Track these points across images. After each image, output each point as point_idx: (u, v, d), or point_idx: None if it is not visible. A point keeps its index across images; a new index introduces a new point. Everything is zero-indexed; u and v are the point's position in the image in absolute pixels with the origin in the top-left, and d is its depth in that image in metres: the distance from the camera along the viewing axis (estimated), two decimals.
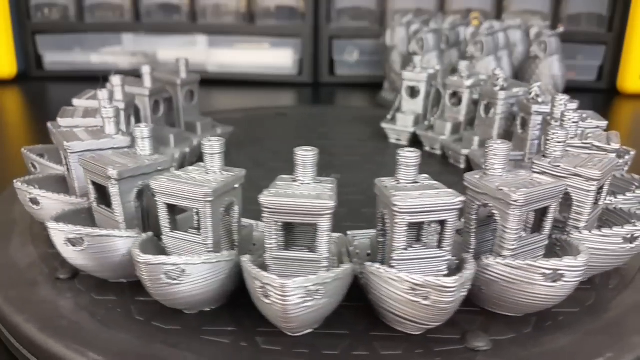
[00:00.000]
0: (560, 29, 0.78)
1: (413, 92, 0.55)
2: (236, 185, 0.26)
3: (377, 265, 0.24)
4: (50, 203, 0.31)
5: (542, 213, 0.25)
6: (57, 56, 0.97)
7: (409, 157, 0.24)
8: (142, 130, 0.28)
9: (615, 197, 0.30)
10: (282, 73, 0.97)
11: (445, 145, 0.51)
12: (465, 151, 0.48)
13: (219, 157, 0.26)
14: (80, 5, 0.96)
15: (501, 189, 0.24)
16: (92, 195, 0.28)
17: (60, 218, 0.27)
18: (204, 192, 0.24)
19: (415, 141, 0.54)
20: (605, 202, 0.29)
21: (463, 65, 0.51)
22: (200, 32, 0.96)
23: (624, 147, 0.35)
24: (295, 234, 0.26)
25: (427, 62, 0.68)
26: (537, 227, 0.26)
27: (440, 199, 0.23)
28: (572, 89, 0.80)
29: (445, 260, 0.24)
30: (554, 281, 0.24)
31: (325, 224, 0.23)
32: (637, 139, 0.73)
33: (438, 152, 0.52)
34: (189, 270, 0.24)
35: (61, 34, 0.96)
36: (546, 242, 0.26)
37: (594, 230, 0.27)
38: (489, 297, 0.26)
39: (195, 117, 0.51)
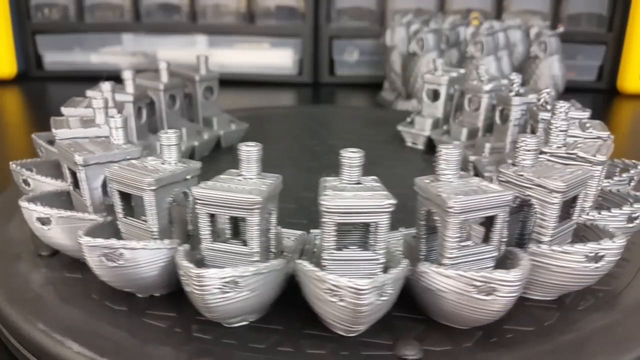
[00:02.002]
0: (560, 29, 0.79)
1: (435, 95, 0.53)
2: (188, 177, 0.26)
3: (306, 263, 0.24)
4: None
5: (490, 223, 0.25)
6: (57, 56, 0.97)
7: (352, 157, 0.24)
8: (116, 120, 0.29)
9: (599, 213, 0.29)
10: (282, 73, 0.97)
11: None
12: (472, 158, 0.46)
13: (175, 148, 0.27)
14: (80, 5, 0.96)
15: (439, 195, 0.23)
16: (69, 180, 0.29)
17: (35, 198, 0.29)
18: (147, 181, 0.25)
19: (431, 145, 0.52)
20: (589, 217, 0.29)
21: (483, 69, 0.49)
22: (200, 32, 0.96)
23: (629, 161, 0.35)
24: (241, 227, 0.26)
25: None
26: (486, 237, 0.25)
27: (371, 201, 0.23)
28: (572, 89, 0.81)
29: (379, 263, 0.24)
30: (487, 294, 0.23)
31: (254, 218, 0.23)
32: (637, 139, 0.73)
33: None
34: (128, 255, 0.25)
35: (61, 34, 0.97)
36: (495, 254, 0.25)
37: (554, 245, 0.26)
38: (427, 305, 0.25)
39: (213, 112, 0.53)
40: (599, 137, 0.31)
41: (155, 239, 0.26)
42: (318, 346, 0.24)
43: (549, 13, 0.93)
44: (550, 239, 0.26)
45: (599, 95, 0.92)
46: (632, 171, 0.34)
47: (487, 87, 0.48)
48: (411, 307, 0.26)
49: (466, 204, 0.23)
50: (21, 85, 0.93)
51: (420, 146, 0.53)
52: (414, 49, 0.74)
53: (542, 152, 0.29)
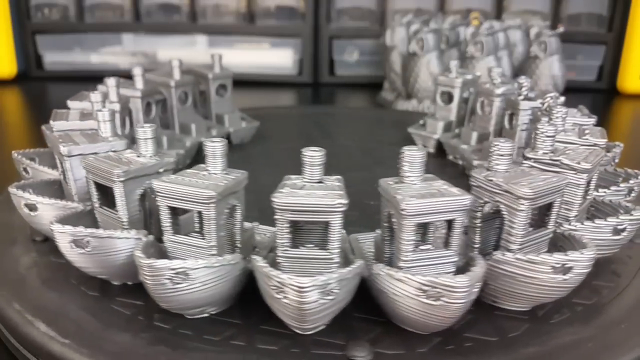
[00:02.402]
0: (560, 29, 0.79)
1: (449, 98, 0.52)
2: (161, 170, 0.27)
3: (258, 258, 0.24)
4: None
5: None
6: (57, 56, 0.97)
7: (313, 156, 0.24)
8: (104, 114, 0.30)
9: (582, 224, 0.28)
10: (282, 73, 0.97)
11: (461, 154, 0.48)
12: (477, 162, 0.45)
13: (151, 142, 0.27)
14: (80, 5, 0.96)
15: (394, 196, 0.23)
16: (60, 169, 0.30)
17: (26, 186, 0.31)
18: (116, 172, 0.26)
19: (442, 149, 0.51)
20: (570, 227, 0.28)
21: (496, 72, 0.47)
22: (200, 32, 0.96)
23: (632, 170, 0.34)
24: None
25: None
26: (446, 242, 0.25)
27: (322, 200, 0.23)
28: (572, 89, 0.81)
29: (333, 263, 0.24)
30: (436, 299, 0.23)
31: (210, 212, 0.24)
32: (637, 139, 0.73)
33: (460, 161, 0.48)
34: (94, 243, 0.26)
35: (61, 34, 0.97)
36: (455, 259, 0.24)
37: (518, 254, 0.25)
38: (384, 308, 0.25)
39: (225, 109, 0.54)
40: (595, 145, 0.30)
41: (125, 228, 0.27)
42: (271, 342, 0.24)
43: (549, 13, 0.93)
44: (518, 247, 0.25)
45: (599, 95, 0.92)
46: (631, 181, 0.33)
47: (499, 90, 0.46)
48: (372, 309, 0.26)
49: (420, 207, 0.22)
50: (21, 85, 0.93)
51: (431, 149, 0.52)
52: (414, 49, 0.74)
53: (526, 158, 0.28)
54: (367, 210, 0.37)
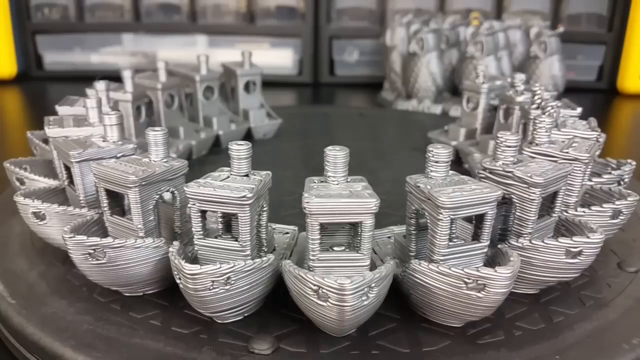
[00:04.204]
0: (560, 29, 0.79)
1: (476, 104, 0.49)
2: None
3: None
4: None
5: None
6: (57, 56, 0.97)
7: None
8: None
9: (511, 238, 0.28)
10: (282, 73, 0.97)
11: (471, 160, 0.46)
12: (477, 155, 0.45)
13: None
14: (80, 5, 0.96)
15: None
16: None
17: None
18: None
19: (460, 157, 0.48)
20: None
21: (519, 78, 0.44)
22: (200, 32, 0.96)
23: (623, 160, 0.35)
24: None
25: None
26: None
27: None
28: (572, 89, 0.81)
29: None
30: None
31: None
32: (637, 139, 0.73)
33: (465, 165, 0.47)
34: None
35: (61, 34, 0.97)
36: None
37: (435, 265, 0.24)
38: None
39: (251, 105, 0.55)
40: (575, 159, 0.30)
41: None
42: (185, 326, 0.25)
43: (549, 13, 0.93)
44: (442, 257, 0.25)
45: (599, 95, 0.92)
46: (624, 169, 0.35)
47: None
48: (293, 307, 0.25)
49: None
50: (21, 85, 0.93)
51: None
52: (414, 49, 0.74)
53: (484, 169, 0.28)
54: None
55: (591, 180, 0.33)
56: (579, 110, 0.37)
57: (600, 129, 0.33)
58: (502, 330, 0.25)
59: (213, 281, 0.23)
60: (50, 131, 0.32)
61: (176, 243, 0.25)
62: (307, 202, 0.23)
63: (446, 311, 0.25)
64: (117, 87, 0.44)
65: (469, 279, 0.23)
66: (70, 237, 0.25)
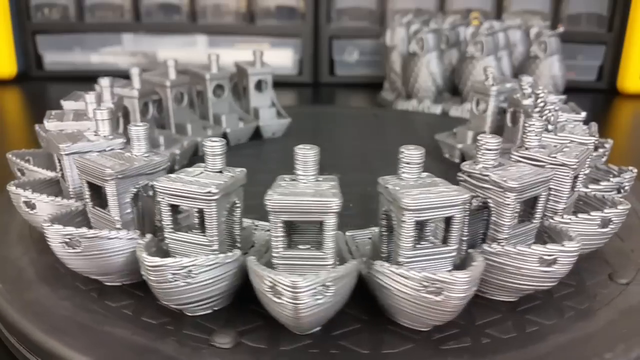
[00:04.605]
0: (560, 29, 0.78)
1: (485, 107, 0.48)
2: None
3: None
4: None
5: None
6: (57, 56, 0.97)
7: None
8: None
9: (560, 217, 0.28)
10: (282, 73, 0.97)
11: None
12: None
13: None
14: (80, 5, 0.96)
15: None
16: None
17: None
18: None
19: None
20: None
21: (526, 81, 0.43)
22: (200, 32, 0.96)
23: (625, 168, 0.34)
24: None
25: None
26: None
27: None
28: (572, 89, 0.81)
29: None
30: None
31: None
32: (637, 139, 0.73)
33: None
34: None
35: (61, 34, 0.97)
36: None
37: (396, 267, 0.24)
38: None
39: (262, 104, 0.56)
40: (572, 141, 0.31)
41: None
42: (154, 317, 0.26)
43: (549, 13, 0.93)
44: (408, 259, 0.24)
45: (599, 95, 0.92)
46: (623, 176, 0.34)
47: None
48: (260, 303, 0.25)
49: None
50: (21, 85, 0.93)
51: (456, 159, 0.49)
52: (414, 49, 0.74)
53: (462, 171, 0.28)
54: (367, 210, 0.37)
55: (587, 187, 0.32)
56: (583, 114, 0.36)
57: (606, 136, 0.32)
58: (469, 337, 0.25)
59: (174, 274, 0.24)
60: (49, 124, 0.33)
61: (149, 236, 0.26)
62: (268, 199, 0.23)
63: (407, 314, 0.24)
64: (125, 84, 0.45)
65: (426, 282, 0.23)
66: (48, 226, 0.26)
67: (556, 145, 0.29)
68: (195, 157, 0.49)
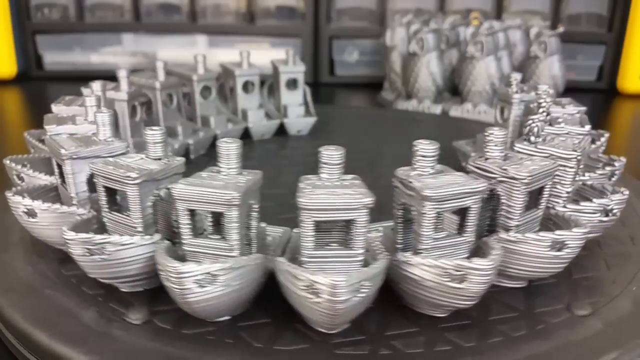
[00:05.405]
0: (560, 29, 0.78)
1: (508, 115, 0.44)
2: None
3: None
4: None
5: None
6: (57, 56, 0.97)
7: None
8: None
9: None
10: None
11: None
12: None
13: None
14: (80, 5, 0.96)
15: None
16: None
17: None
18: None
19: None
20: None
21: (543, 89, 0.39)
22: (200, 32, 0.96)
23: (614, 156, 0.35)
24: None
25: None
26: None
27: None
28: (572, 89, 0.81)
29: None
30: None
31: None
32: (637, 139, 0.73)
33: None
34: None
35: (61, 34, 0.97)
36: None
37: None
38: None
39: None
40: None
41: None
42: (93, 287, 0.27)
43: (549, 13, 0.93)
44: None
45: (599, 95, 0.92)
46: (616, 164, 0.35)
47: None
48: None
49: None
50: (21, 85, 0.93)
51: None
52: (414, 49, 0.74)
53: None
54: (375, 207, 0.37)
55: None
56: (587, 128, 0.35)
57: (601, 129, 0.33)
58: (369, 345, 0.24)
59: (88, 249, 0.25)
60: (49, 128, 0.32)
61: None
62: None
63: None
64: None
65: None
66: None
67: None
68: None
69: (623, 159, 0.36)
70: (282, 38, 0.96)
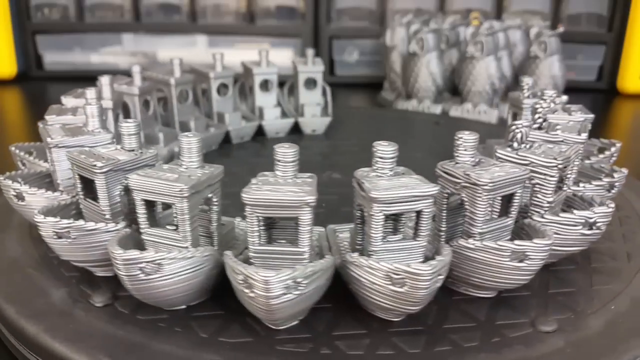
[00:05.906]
0: (560, 29, 0.78)
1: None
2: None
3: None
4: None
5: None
6: (57, 56, 0.97)
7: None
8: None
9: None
10: (282, 73, 0.97)
11: None
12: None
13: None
14: (80, 5, 0.96)
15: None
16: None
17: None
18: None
19: None
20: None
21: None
22: (200, 32, 0.96)
23: (607, 140, 0.35)
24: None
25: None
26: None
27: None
28: (572, 89, 0.81)
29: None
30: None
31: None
32: (637, 139, 0.73)
33: None
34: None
35: (61, 34, 0.96)
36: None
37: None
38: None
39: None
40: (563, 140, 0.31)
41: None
42: (72, 270, 0.29)
43: (549, 13, 0.93)
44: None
45: (599, 95, 0.92)
46: (616, 176, 0.33)
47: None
48: None
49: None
50: (21, 85, 0.93)
51: None
52: (414, 49, 0.74)
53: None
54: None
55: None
56: (584, 136, 0.33)
57: (605, 136, 0.32)
58: (315, 345, 0.24)
59: (54, 232, 0.27)
60: (48, 118, 0.34)
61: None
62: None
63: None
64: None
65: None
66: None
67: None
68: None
69: (625, 171, 0.34)
70: (282, 38, 0.96)
